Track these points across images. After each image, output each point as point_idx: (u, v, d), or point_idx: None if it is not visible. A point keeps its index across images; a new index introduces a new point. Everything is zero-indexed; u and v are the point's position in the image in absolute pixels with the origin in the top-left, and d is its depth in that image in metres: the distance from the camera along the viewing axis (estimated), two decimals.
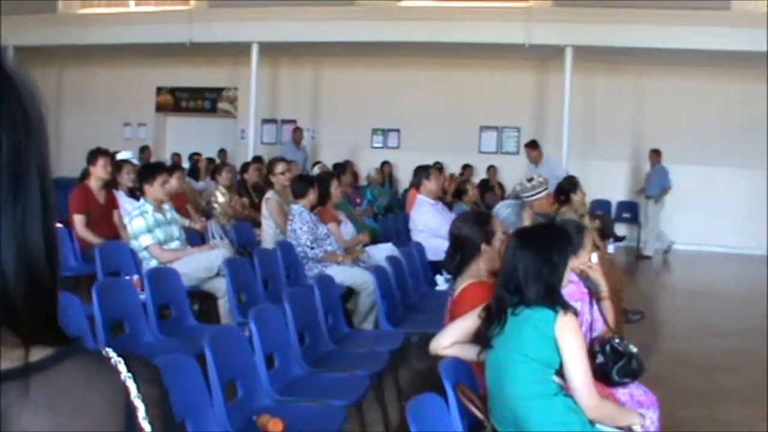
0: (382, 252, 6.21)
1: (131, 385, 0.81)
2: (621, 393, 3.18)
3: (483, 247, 3.53)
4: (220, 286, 4.96)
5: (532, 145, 11.07)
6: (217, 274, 5.06)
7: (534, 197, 5.75)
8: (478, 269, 3.50)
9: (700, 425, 4.50)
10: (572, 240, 3.12)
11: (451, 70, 13.41)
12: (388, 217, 9.12)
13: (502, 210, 4.42)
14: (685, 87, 12.64)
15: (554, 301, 2.80)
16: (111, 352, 0.83)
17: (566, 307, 2.79)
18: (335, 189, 6.46)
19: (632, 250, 12.24)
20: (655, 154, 12.36)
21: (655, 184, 12.34)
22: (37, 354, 0.76)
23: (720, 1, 11.02)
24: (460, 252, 3.54)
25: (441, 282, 6.01)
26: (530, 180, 6.02)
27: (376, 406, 4.03)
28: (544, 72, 13.05)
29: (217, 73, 14.20)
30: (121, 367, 0.82)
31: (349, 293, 5.47)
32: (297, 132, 13.26)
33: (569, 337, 2.71)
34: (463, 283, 3.43)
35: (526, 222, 4.95)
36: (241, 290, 4.80)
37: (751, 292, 9.46)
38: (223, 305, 4.97)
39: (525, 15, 11.30)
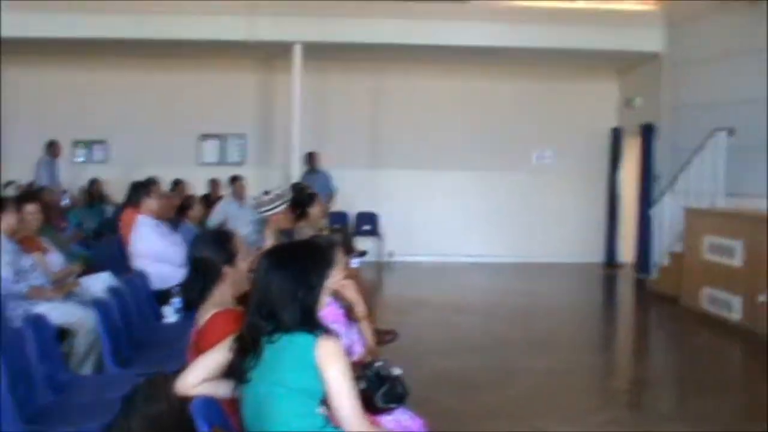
0: (99, 282, 6.02)
1: None
2: (387, 420, 3.34)
3: (226, 269, 3.55)
4: None
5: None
6: None
7: (272, 212, 5.87)
8: (223, 295, 3.52)
9: None
10: (328, 258, 3.23)
11: (164, 72, 13.25)
12: (100, 242, 8.81)
13: (243, 227, 4.49)
14: (425, 86, 13.54)
15: (313, 325, 2.90)
16: None
17: (327, 330, 2.91)
18: (32, 213, 6.12)
19: (373, 264, 12.84)
20: (312, 157, 12.55)
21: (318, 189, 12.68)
22: None
23: None
24: (202, 277, 3.53)
25: (169, 313, 5.93)
26: (267, 193, 6.14)
27: None
28: (271, 72, 13.31)
29: None
30: None
31: (63, 333, 5.23)
32: None
33: (333, 363, 2.83)
34: (208, 312, 3.43)
35: (269, 239, 5.06)
36: None
37: (502, 303, 10.37)
38: None
39: (248, 8, 11.44)
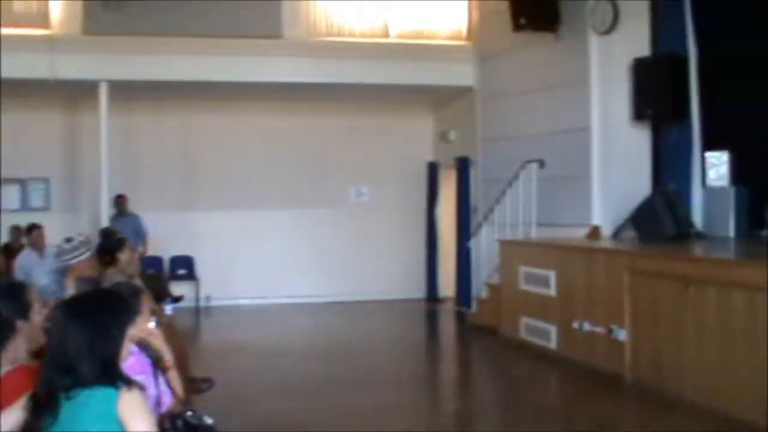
0: None
1: None
2: None
3: (19, 324, 3.37)
4: None
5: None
6: None
7: (75, 260, 5.63)
8: (17, 351, 3.33)
9: None
10: (130, 306, 3.13)
11: None
12: None
13: (42, 278, 4.27)
14: (238, 124, 13.48)
15: (114, 377, 2.80)
16: None
17: (129, 382, 2.81)
18: None
19: (190, 309, 12.56)
20: (121, 200, 12.30)
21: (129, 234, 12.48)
22: None
23: (271, 30, 11.91)
24: None
25: None
26: (69, 240, 5.88)
27: None
28: (77, 112, 12.90)
29: None
30: None
31: None
32: None
33: (136, 416, 2.73)
34: (0, 371, 3.23)
35: (69, 289, 4.84)
36: None
37: (324, 344, 10.36)
38: None
39: (48, 44, 11.02)
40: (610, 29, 9.92)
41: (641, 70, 9.81)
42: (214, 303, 13.18)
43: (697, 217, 9.94)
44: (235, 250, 13.36)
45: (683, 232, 9.36)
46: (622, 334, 7.78)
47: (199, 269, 13.23)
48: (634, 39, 10.01)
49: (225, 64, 11.59)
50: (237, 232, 13.44)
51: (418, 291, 13.91)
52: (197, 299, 13.02)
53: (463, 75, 12.58)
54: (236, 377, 7.96)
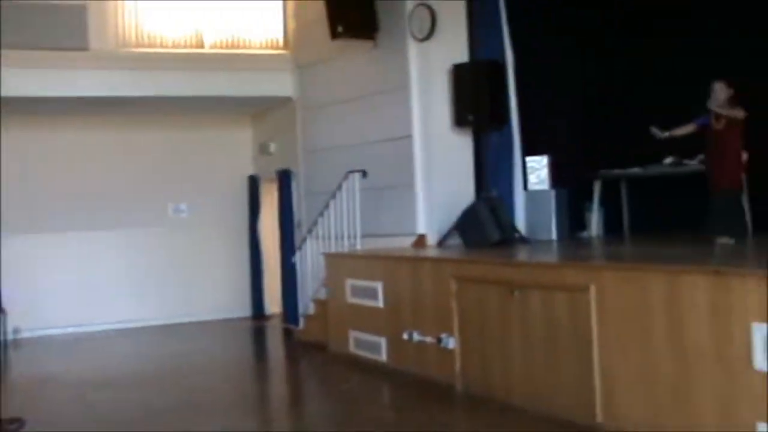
0: None
1: None
2: None
3: None
4: None
5: None
6: None
7: None
8: None
9: None
10: None
11: None
12: None
13: None
14: (46, 140, 12.97)
15: None
16: None
17: None
18: None
19: None
20: None
21: None
22: None
23: (77, 42, 11.44)
24: None
25: None
26: None
27: None
28: None
29: None
30: None
31: None
32: None
33: None
34: None
35: None
36: None
37: (149, 370, 10.00)
38: None
39: None
40: (428, 35, 10.11)
41: (460, 77, 10.07)
42: (23, 335, 12.49)
43: (520, 222, 10.32)
44: (46, 277, 12.73)
45: (507, 238, 9.68)
46: (452, 343, 7.90)
47: (6, 300, 12.47)
48: (453, 45, 10.27)
49: (31, 77, 11.05)
50: (48, 257, 12.83)
51: (244, 309, 13.73)
52: (3, 332, 12.30)
53: (282, 85, 12.52)
54: (49, 414, 7.56)
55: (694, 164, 9.53)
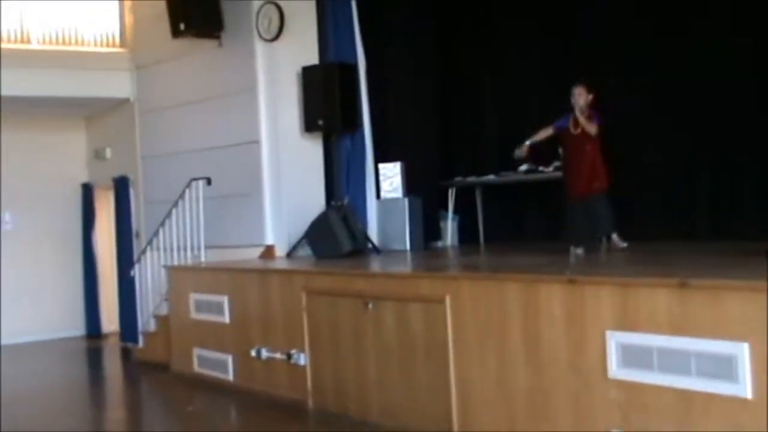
0: None
1: None
2: None
3: None
4: None
5: None
6: None
7: None
8: None
9: None
10: None
11: None
12: None
13: None
14: None
15: None
16: None
17: None
18: None
19: None
20: None
21: None
22: None
23: None
24: None
25: None
26: None
27: None
28: None
29: None
30: None
31: None
32: None
33: None
34: None
35: None
36: None
37: None
38: None
39: None
40: (277, 35, 10.12)
41: (310, 79, 10.13)
42: None
43: (373, 231, 10.42)
44: None
45: (359, 248, 9.77)
46: (303, 359, 7.90)
47: None
48: (303, 46, 10.34)
49: None
50: None
51: (77, 328, 13.32)
52: None
53: (119, 86, 12.25)
54: None
55: (549, 171, 9.85)
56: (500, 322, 5.99)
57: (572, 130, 8.24)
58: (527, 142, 8.61)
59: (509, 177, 10.42)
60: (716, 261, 6.63)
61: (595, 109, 8.19)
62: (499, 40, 10.80)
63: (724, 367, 4.62)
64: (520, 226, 10.69)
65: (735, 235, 8.30)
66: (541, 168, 10.02)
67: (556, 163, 9.57)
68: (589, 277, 5.71)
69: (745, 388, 4.54)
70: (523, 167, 10.16)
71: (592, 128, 8.07)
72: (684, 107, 8.91)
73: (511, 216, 10.83)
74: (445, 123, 11.32)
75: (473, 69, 11.13)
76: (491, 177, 10.64)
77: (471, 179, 10.88)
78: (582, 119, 8.10)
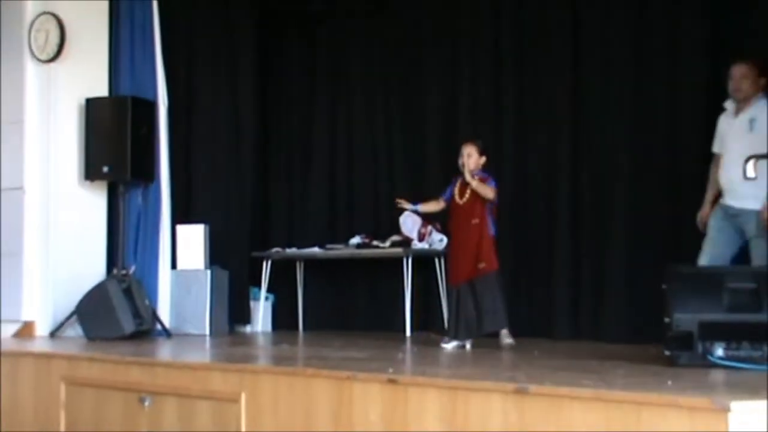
0: None
1: None
2: None
3: None
4: None
5: None
6: None
7: None
8: None
9: None
10: None
11: None
12: None
13: None
14: None
15: None
16: None
17: None
18: None
19: None
20: None
21: None
22: None
23: None
24: None
25: None
26: None
27: None
28: None
29: None
30: None
31: None
32: None
33: None
34: None
35: None
36: None
37: None
38: None
39: None
40: (55, 56, 9.84)
41: (96, 115, 9.91)
42: None
43: (164, 310, 10.16)
44: None
45: (145, 330, 9.52)
46: None
47: None
48: (89, 72, 10.15)
49: None
50: None
51: None
52: None
53: None
54: None
55: (385, 247, 9.87)
56: (305, 426, 5.85)
57: (457, 199, 8.05)
58: (417, 207, 8.47)
59: (338, 251, 10.37)
60: (565, 364, 6.67)
61: (486, 172, 8.06)
62: (337, 77, 10.87)
63: None
64: (348, 310, 10.65)
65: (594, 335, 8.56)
66: (376, 243, 10.03)
67: (393, 238, 9.64)
68: (414, 377, 5.64)
69: None
70: (355, 239, 10.16)
71: (489, 192, 7.85)
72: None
73: (337, 298, 10.79)
74: (264, 179, 11.24)
75: (303, 113, 11.15)
76: (316, 249, 10.55)
77: (291, 251, 10.78)
78: (474, 183, 7.86)
